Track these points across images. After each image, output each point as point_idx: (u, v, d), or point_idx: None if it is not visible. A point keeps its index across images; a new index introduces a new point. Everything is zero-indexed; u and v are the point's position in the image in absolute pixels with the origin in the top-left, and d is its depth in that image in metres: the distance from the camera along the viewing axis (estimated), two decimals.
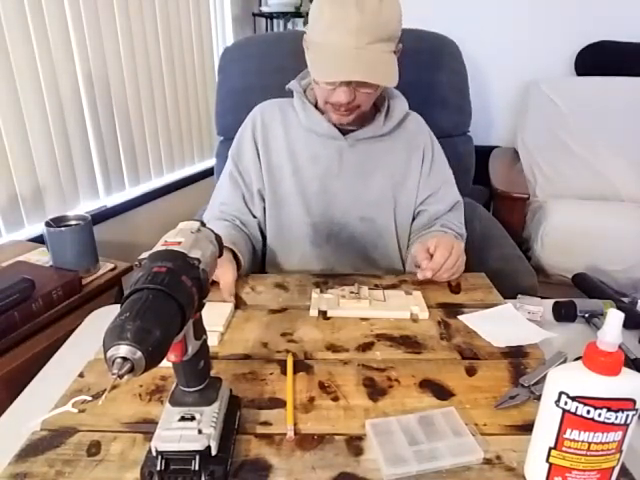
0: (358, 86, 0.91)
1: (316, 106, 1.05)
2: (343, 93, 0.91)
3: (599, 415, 0.44)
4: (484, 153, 2.08)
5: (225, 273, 0.87)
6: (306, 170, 1.06)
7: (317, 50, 0.92)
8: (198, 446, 0.48)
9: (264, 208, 1.09)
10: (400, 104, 1.07)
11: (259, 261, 1.12)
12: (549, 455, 0.48)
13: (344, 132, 1.04)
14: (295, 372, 0.68)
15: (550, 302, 0.84)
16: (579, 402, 0.45)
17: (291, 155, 1.06)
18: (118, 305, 0.43)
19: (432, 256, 0.89)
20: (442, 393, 0.64)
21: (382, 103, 1.06)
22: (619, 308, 0.75)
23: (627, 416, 0.45)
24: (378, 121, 1.04)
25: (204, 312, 0.51)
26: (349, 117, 0.98)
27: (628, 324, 0.69)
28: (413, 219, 1.11)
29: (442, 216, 1.09)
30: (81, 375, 0.68)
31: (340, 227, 1.08)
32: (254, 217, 1.09)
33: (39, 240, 1.49)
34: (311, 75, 0.94)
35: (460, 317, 0.81)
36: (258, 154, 1.07)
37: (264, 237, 1.11)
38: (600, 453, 0.46)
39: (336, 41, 0.87)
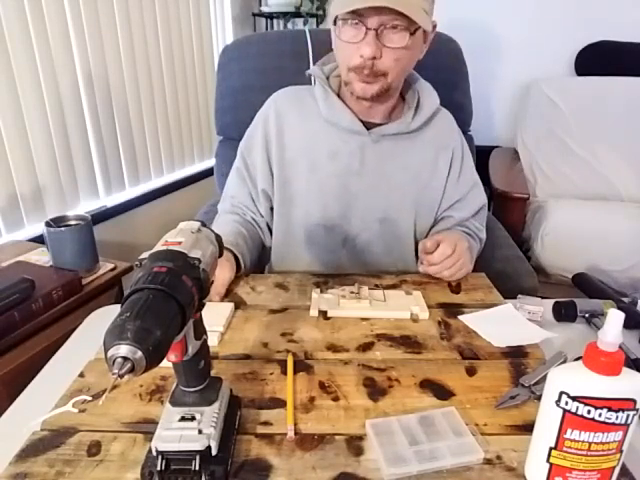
0: (384, 40, 0.84)
1: (339, 96, 0.99)
2: (367, 45, 0.83)
3: (599, 415, 0.44)
4: (484, 153, 2.08)
5: (220, 272, 0.85)
6: (323, 167, 0.99)
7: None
8: (198, 446, 0.48)
9: (270, 208, 1.06)
10: (430, 98, 1.01)
11: (268, 258, 1.08)
12: (549, 455, 0.48)
13: (368, 127, 0.98)
14: (295, 372, 0.67)
15: (550, 302, 0.84)
16: (579, 402, 0.45)
17: (308, 150, 1.00)
18: (118, 305, 0.43)
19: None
20: (442, 393, 0.64)
21: (412, 97, 1.00)
22: (619, 308, 0.75)
23: (627, 416, 0.45)
24: (407, 116, 0.98)
25: (204, 312, 0.51)
26: (374, 87, 0.89)
27: (628, 324, 0.69)
28: (434, 223, 1.06)
29: (466, 221, 1.06)
30: (81, 375, 0.68)
31: (358, 230, 1.02)
32: (261, 216, 1.06)
33: (39, 240, 1.50)
34: (333, 13, 0.86)
35: (460, 317, 0.81)
36: (267, 151, 1.02)
37: (272, 235, 1.07)
38: (600, 453, 0.46)
39: None
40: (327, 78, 1.01)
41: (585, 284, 0.99)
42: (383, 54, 0.86)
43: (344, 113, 0.97)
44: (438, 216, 1.07)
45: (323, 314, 0.82)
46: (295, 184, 1.01)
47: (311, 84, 1.03)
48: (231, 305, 0.83)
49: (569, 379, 0.46)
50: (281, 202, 1.03)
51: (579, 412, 0.45)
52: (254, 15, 2.67)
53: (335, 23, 0.88)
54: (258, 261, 1.07)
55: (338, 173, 0.99)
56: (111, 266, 1.41)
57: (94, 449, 0.55)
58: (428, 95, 1.01)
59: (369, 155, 0.99)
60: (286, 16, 2.59)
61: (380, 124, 0.98)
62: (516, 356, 0.71)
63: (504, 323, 0.79)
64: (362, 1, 0.81)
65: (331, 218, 1.01)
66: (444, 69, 1.37)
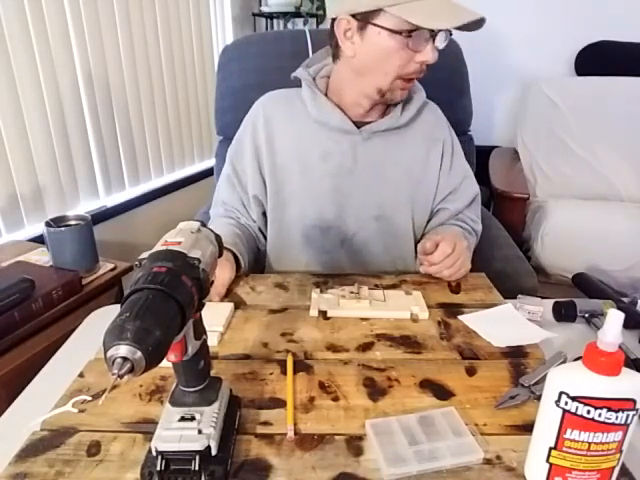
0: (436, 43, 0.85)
1: (326, 96, 0.99)
2: (433, 52, 0.85)
3: (599, 415, 0.44)
4: (484, 153, 2.08)
5: (220, 272, 0.85)
6: (316, 168, 0.99)
7: (405, 7, 0.82)
8: (198, 446, 0.48)
9: (263, 213, 1.05)
10: (418, 92, 1.01)
11: (263, 261, 1.09)
12: (549, 455, 0.48)
13: (357, 125, 0.98)
14: (295, 372, 0.67)
15: (550, 302, 0.84)
16: (579, 402, 0.44)
17: (299, 153, 0.99)
18: (118, 305, 0.43)
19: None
20: (442, 393, 0.64)
21: None
22: (619, 308, 0.75)
23: (627, 416, 0.44)
24: (396, 111, 0.98)
25: (204, 312, 0.51)
26: (408, 90, 0.94)
27: (628, 324, 0.69)
28: (430, 217, 1.07)
29: (461, 212, 1.06)
30: (81, 375, 0.68)
31: (355, 230, 1.02)
32: (254, 221, 1.06)
33: (39, 240, 1.50)
34: (410, 34, 0.83)
35: (460, 317, 0.81)
36: (258, 158, 1.01)
37: (266, 238, 1.07)
38: (600, 453, 0.46)
39: None
40: (313, 79, 1.00)
41: (585, 284, 0.99)
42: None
43: (333, 113, 0.97)
44: (433, 209, 1.07)
45: (323, 314, 0.82)
46: (288, 188, 1.01)
47: (299, 87, 1.02)
48: (231, 305, 0.83)
49: (569, 379, 0.46)
50: (274, 206, 1.02)
51: (579, 412, 0.45)
52: (254, 15, 2.67)
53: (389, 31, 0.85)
54: (255, 263, 1.07)
55: (331, 173, 0.99)
56: (111, 266, 1.41)
57: (94, 449, 0.55)
58: (415, 89, 1.01)
59: (361, 153, 0.99)
60: (286, 16, 2.59)
61: (370, 122, 0.98)
62: (516, 356, 0.71)
63: (504, 323, 0.79)
64: (458, 18, 0.81)
65: (327, 219, 1.01)
66: (444, 69, 1.36)
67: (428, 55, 0.86)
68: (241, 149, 1.04)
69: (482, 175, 1.83)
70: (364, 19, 0.86)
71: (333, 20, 0.90)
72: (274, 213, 1.03)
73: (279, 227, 1.04)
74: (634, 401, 0.44)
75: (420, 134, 1.03)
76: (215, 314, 0.79)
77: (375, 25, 0.85)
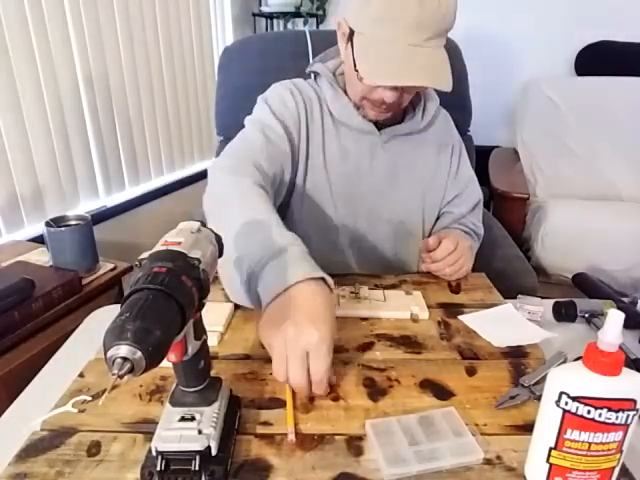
0: (406, 87, 0.85)
1: (345, 93, 0.96)
2: (390, 94, 0.84)
3: (599, 415, 0.44)
4: (484, 153, 2.08)
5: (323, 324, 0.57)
6: (334, 166, 0.97)
7: (365, 44, 0.82)
8: (198, 446, 0.48)
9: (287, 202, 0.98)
10: (433, 99, 1.03)
11: None
12: (549, 455, 0.48)
13: (378, 126, 0.97)
14: None
15: (550, 302, 0.84)
16: (579, 402, 0.44)
17: (321, 148, 0.97)
18: (118, 305, 0.43)
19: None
20: (442, 393, 0.64)
21: (417, 99, 1.01)
22: (619, 308, 0.75)
23: (627, 416, 0.44)
24: (416, 116, 0.99)
25: (204, 312, 0.51)
26: (387, 114, 0.92)
27: (628, 324, 0.69)
28: (436, 220, 1.07)
29: (464, 217, 1.07)
30: (81, 375, 0.68)
31: (365, 232, 1.01)
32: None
33: (39, 240, 1.50)
34: (357, 70, 0.82)
35: (460, 317, 0.81)
36: (298, 133, 0.94)
37: None
38: (600, 453, 0.46)
39: (389, 36, 0.78)
40: (333, 75, 0.99)
41: (585, 284, 0.99)
42: (403, 94, 0.88)
43: (355, 114, 0.95)
44: (440, 213, 1.08)
45: None
46: (309, 180, 0.98)
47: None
48: (231, 305, 0.83)
49: (569, 379, 0.46)
50: (297, 198, 0.98)
51: (579, 412, 0.45)
52: (254, 15, 2.68)
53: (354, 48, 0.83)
54: None
55: (348, 173, 0.98)
56: (111, 266, 1.41)
57: (94, 449, 0.55)
58: (431, 96, 1.03)
59: (379, 155, 0.99)
60: (286, 16, 2.59)
61: (390, 124, 0.98)
62: (516, 356, 0.71)
63: (504, 323, 0.79)
64: (389, 79, 0.80)
65: (339, 218, 0.99)
66: None
67: (383, 95, 0.85)
68: (285, 111, 0.94)
69: (482, 175, 1.83)
70: (351, 32, 0.85)
71: None
72: (293, 203, 0.98)
73: (292, 219, 1.00)
74: (634, 401, 0.44)
75: (433, 139, 1.04)
76: (215, 314, 0.79)
77: (351, 43, 0.85)
